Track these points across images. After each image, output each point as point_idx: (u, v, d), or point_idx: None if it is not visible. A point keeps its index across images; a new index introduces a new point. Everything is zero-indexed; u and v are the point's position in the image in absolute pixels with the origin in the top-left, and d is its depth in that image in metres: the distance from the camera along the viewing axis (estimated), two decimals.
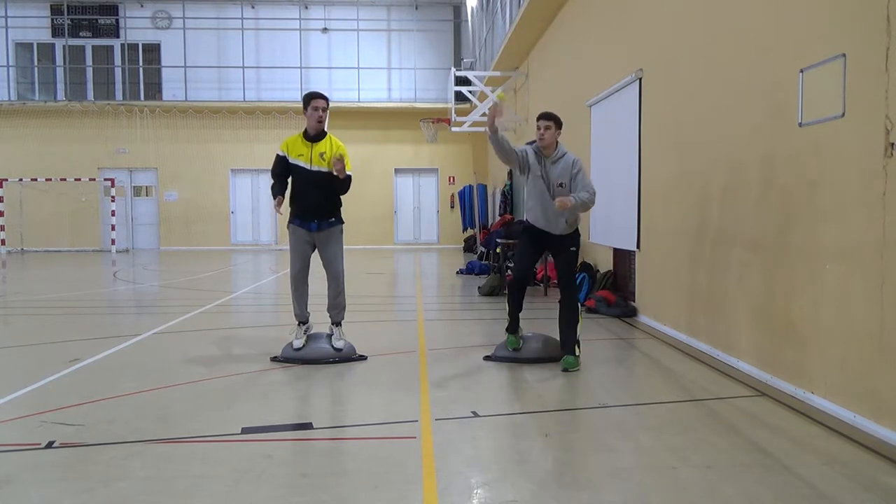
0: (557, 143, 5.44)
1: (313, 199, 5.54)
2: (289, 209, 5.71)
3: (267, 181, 24.18)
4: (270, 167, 5.76)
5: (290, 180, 5.67)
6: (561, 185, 5.29)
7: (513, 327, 5.57)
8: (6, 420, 4.01)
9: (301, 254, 5.64)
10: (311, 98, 5.57)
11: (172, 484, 3.06)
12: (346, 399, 4.70)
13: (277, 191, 5.61)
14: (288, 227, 5.70)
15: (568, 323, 5.32)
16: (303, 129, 5.66)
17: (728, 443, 3.59)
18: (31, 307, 9.13)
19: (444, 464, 3.28)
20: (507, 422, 4.04)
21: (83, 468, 3.25)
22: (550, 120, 5.39)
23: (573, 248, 5.43)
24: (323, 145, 5.56)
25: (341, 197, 5.69)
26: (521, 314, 5.57)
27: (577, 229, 5.46)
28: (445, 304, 9.73)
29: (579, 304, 5.41)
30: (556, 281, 10.59)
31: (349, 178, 5.54)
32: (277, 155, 5.65)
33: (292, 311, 5.73)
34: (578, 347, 5.30)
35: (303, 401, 4.66)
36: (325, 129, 5.66)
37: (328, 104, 5.65)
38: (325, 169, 5.52)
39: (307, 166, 5.53)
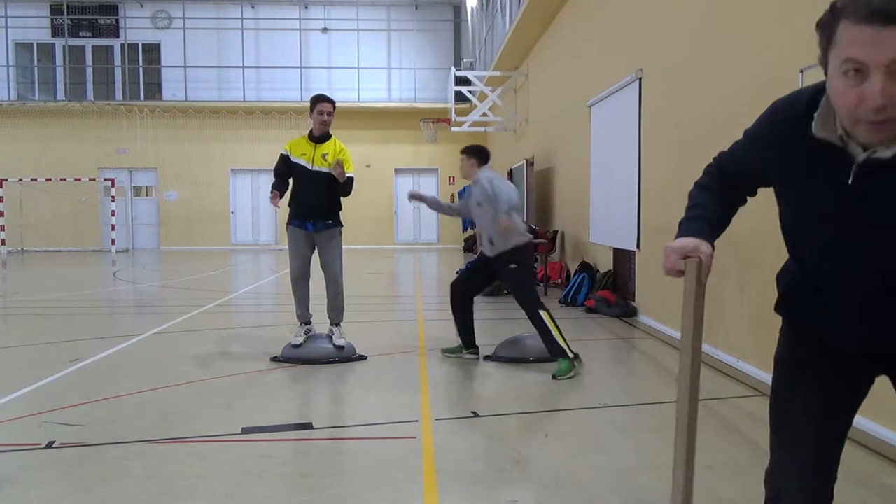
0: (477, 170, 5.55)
1: (311, 199, 5.56)
2: (288, 209, 5.73)
3: (267, 181, 24.09)
4: (272, 167, 5.82)
5: (290, 181, 5.72)
6: (479, 203, 5.40)
7: (466, 341, 5.65)
8: (6, 420, 4.01)
9: (300, 255, 5.65)
10: (317, 101, 5.65)
11: (172, 484, 3.06)
12: (346, 399, 4.70)
13: (276, 187, 5.68)
14: (287, 229, 5.72)
15: (540, 333, 5.16)
16: (308, 131, 5.74)
17: (728, 443, 3.59)
18: (31, 307, 9.13)
19: (444, 464, 3.28)
20: (506, 422, 4.05)
21: (83, 468, 3.25)
22: (462, 153, 5.64)
23: (512, 266, 5.27)
24: (326, 147, 5.61)
25: (342, 199, 5.72)
26: (471, 327, 5.66)
27: (514, 248, 5.25)
28: (445, 304, 9.69)
29: (541, 312, 5.14)
30: (555, 281, 10.59)
31: (350, 180, 5.59)
32: (280, 154, 5.71)
33: (294, 312, 5.75)
34: (569, 349, 5.07)
35: (303, 401, 4.66)
36: (330, 132, 5.72)
37: (335, 107, 5.70)
38: (325, 169, 5.55)
39: (308, 165, 5.56)
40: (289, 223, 5.69)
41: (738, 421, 3.97)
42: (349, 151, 5.72)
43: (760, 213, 4.80)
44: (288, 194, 5.75)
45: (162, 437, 3.69)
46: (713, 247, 1.64)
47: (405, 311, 8.85)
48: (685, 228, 1.67)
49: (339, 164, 5.40)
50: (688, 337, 1.65)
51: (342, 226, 5.76)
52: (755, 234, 4.90)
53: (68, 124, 21.51)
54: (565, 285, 9.54)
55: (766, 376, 4.71)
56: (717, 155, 1.82)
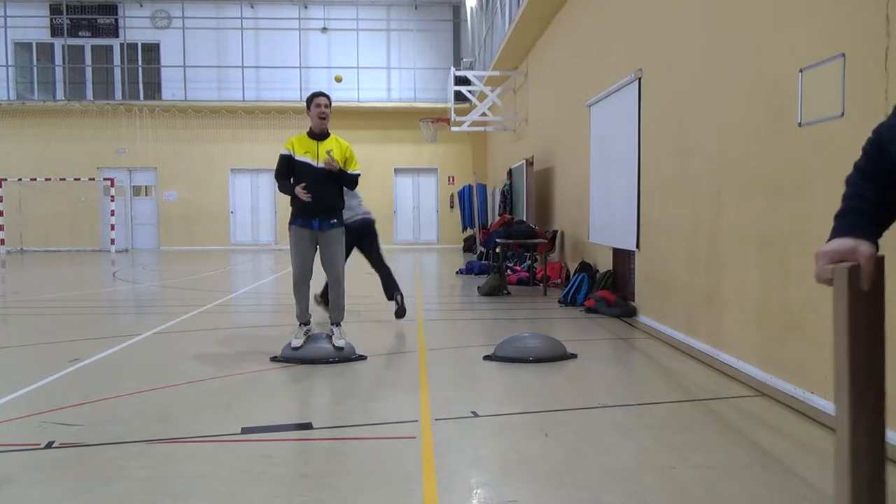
0: None
1: (317, 196, 5.53)
2: (291, 207, 5.71)
3: (267, 181, 23.85)
4: (271, 167, 5.80)
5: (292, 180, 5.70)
6: None
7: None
8: (6, 420, 4.01)
9: (303, 255, 5.63)
10: (313, 97, 5.67)
11: (172, 484, 3.06)
12: (346, 399, 4.70)
13: (290, 188, 5.54)
14: (289, 228, 5.69)
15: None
16: (307, 130, 5.73)
17: (728, 443, 3.59)
18: (30, 307, 9.13)
19: (443, 464, 3.28)
20: (506, 421, 4.05)
21: (83, 468, 3.25)
22: None
23: None
24: (329, 143, 5.62)
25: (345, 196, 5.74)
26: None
27: None
28: (445, 304, 9.73)
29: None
30: (554, 281, 10.58)
31: (353, 175, 5.62)
32: (281, 154, 5.62)
33: (294, 312, 5.74)
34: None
35: (303, 401, 4.66)
36: (329, 130, 5.72)
37: (331, 102, 5.70)
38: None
39: (313, 163, 5.55)
40: (292, 222, 5.65)
41: (738, 421, 3.97)
42: (353, 149, 5.75)
43: (760, 213, 4.81)
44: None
45: (162, 437, 3.68)
46: (877, 245, 1.32)
47: None
48: (839, 226, 1.37)
49: (330, 162, 5.45)
50: (843, 363, 1.27)
51: (345, 226, 5.76)
52: (754, 235, 4.90)
53: (68, 124, 21.51)
54: (565, 285, 9.55)
55: (767, 376, 4.71)
56: (877, 126, 1.48)
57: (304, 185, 5.44)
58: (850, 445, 1.26)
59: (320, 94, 5.68)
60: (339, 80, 5.65)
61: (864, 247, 1.29)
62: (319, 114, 5.59)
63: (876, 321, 1.28)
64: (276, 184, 5.76)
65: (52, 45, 22.40)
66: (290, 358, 5.50)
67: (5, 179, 20.57)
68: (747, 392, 4.57)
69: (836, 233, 1.37)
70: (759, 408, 4.23)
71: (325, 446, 3.69)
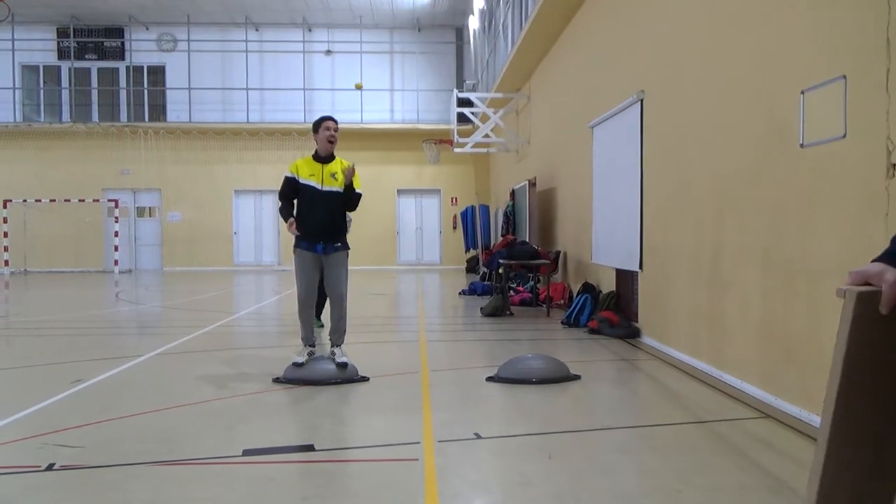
0: None
1: (321, 220, 5.57)
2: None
3: (270, 202, 23.97)
4: (275, 188, 5.85)
5: (295, 203, 5.73)
6: None
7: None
8: (7, 442, 3.99)
9: (307, 278, 5.65)
10: (322, 120, 5.75)
11: None
12: (349, 421, 4.68)
13: (288, 213, 5.68)
14: (294, 251, 5.72)
15: None
16: (312, 152, 5.79)
17: (732, 465, 3.56)
18: (33, 328, 9.13)
19: (446, 486, 3.26)
20: (509, 444, 4.02)
21: (84, 490, 3.23)
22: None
23: None
24: (334, 166, 5.67)
25: (348, 218, 5.77)
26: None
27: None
28: (448, 325, 9.71)
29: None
30: (557, 302, 10.56)
31: (359, 195, 5.65)
32: (286, 177, 5.72)
33: (299, 335, 5.74)
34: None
35: (305, 422, 4.63)
36: (334, 154, 5.78)
37: (338, 126, 5.77)
38: (335, 189, 5.59)
39: (318, 186, 5.59)
40: (296, 245, 5.69)
41: (743, 443, 3.94)
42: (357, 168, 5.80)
43: (763, 234, 4.81)
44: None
45: (163, 459, 3.66)
46: None
47: (408, 332, 8.83)
48: (882, 253, 1.38)
49: (350, 171, 5.55)
50: (831, 393, 1.21)
51: (349, 248, 5.78)
52: (757, 256, 4.89)
53: (73, 146, 21.67)
54: (568, 306, 9.52)
55: (772, 398, 4.68)
56: None
57: (292, 221, 5.58)
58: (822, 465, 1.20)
59: (330, 118, 5.79)
60: (359, 87, 5.78)
61: (890, 273, 1.28)
62: (328, 137, 5.66)
63: (892, 350, 1.23)
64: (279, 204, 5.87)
65: (58, 67, 22.63)
66: (293, 379, 5.48)
67: (10, 200, 20.68)
68: (752, 414, 4.54)
69: (878, 258, 1.36)
70: (765, 430, 4.19)
71: (328, 468, 3.66)
